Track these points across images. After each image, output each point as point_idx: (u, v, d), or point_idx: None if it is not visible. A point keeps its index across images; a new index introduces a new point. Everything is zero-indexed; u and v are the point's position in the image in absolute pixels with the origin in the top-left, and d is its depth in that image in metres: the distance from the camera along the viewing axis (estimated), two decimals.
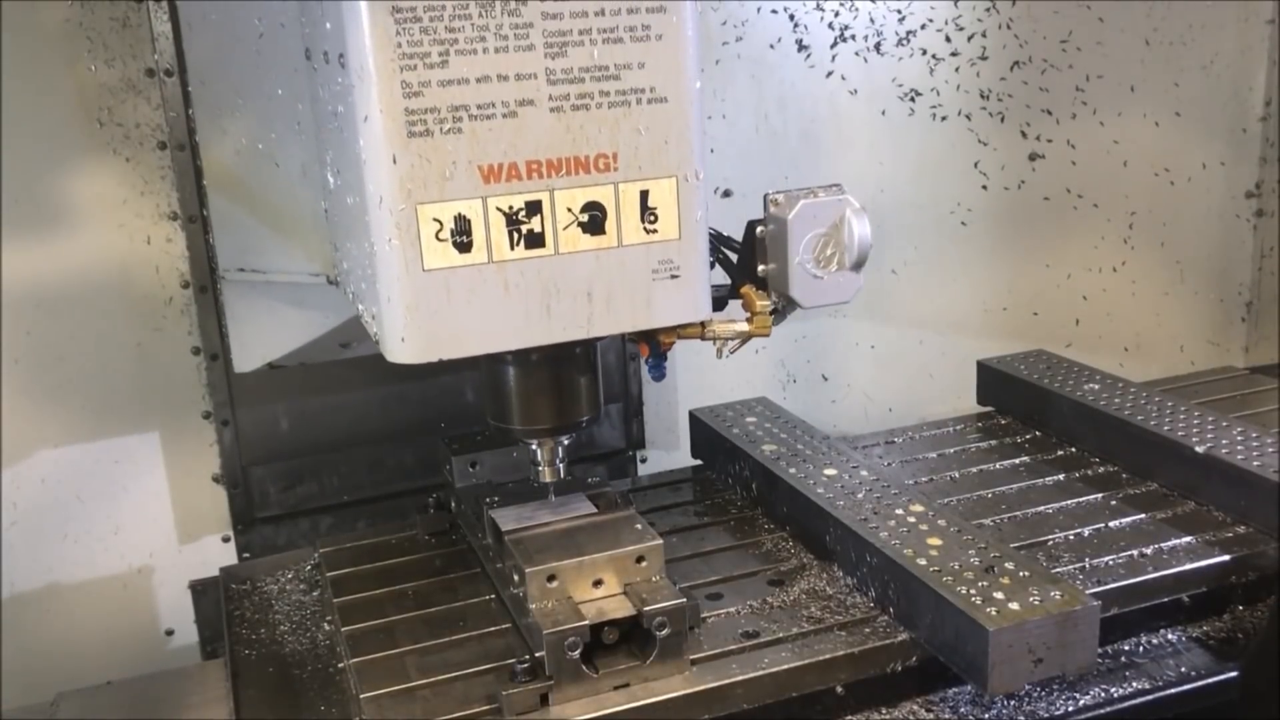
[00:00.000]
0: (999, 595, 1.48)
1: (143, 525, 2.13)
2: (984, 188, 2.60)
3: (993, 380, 2.38)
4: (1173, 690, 1.62)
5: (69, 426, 2.04)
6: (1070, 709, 1.59)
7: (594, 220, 1.35)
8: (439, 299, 1.32)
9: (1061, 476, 2.04)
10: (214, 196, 1.75)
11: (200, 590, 2.02)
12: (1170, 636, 1.72)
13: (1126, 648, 1.70)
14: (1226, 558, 1.73)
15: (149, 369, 2.07)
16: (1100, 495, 1.95)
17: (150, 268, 2.03)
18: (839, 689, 1.56)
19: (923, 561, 1.58)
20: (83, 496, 2.08)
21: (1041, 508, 1.92)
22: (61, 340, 2.00)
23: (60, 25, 1.90)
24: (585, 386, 1.57)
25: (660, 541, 1.57)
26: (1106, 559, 1.74)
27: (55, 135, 1.93)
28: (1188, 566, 1.72)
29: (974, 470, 2.09)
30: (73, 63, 1.91)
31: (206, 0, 1.64)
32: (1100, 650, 1.55)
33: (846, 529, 1.70)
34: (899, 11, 2.41)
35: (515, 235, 1.33)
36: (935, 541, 1.64)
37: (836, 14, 2.36)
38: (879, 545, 1.64)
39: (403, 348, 1.33)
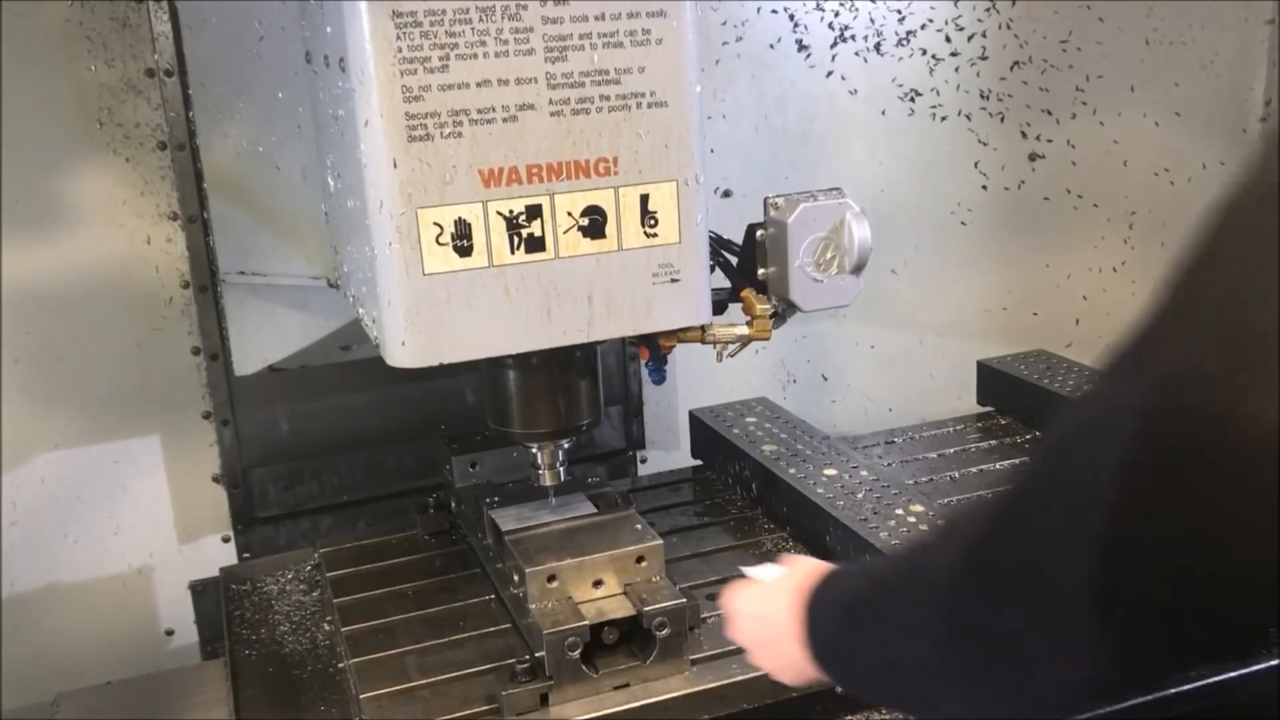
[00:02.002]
0: None
1: (143, 525, 2.13)
2: (984, 188, 2.60)
3: (993, 380, 2.38)
4: (1173, 690, 1.62)
5: (69, 426, 2.04)
6: None
7: (594, 224, 1.35)
8: (439, 303, 1.32)
9: None
10: (214, 199, 1.75)
11: (200, 590, 2.02)
12: None
13: None
14: None
15: (149, 369, 2.06)
16: None
17: (150, 268, 2.03)
18: (839, 689, 1.56)
19: None
20: (83, 496, 2.08)
21: None
22: (61, 340, 2.00)
23: (60, 25, 1.89)
24: (586, 390, 1.57)
25: (660, 541, 1.58)
26: None
27: (55, 135, 1.93)
28: None
29: (974, 470, 2.09)
30: (73, 63, 1.91)
31: (206, 1, 1.64)
32: None
33: (846, 529, 1.70)
34: (899, 11, 2.40)
35: (515, 239, 1.33)
36: None
37: (836, 14, 2.36)
38: (879, 545, 1.64)
39: (403, 352, 1.34)
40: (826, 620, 1.08)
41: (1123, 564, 0.68)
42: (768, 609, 1.18)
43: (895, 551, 1.06)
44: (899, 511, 1.72)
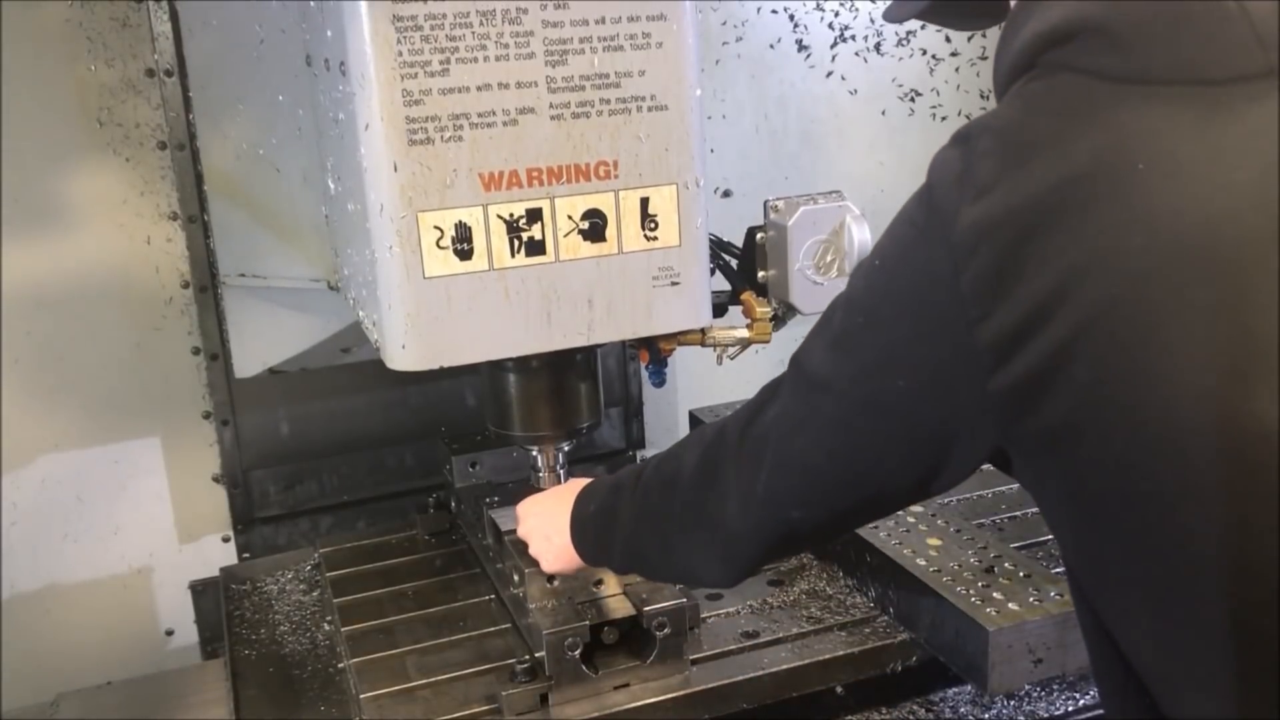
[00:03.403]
0: (999, 595, 1.49)
1: (143, 525, 2.13)
2: None
3: None
4: None
5: (69, 427, 2.04)
6: (1070, 709, 1.59)
7: (594, 227, 1.35)
8: (440, 306, 1.32)
9: None
10: (215, 201, 1.75)
11: (200, 590, 2.03)
12: None
13: None
14: None
15: (149, 369, 2.06)
16: None
17: (150, 268, 2.03)
18: (839, 689, 1.57)
19: (922, 562, 1.59)
20: (83, 497, 2.08)
21: None
22: (61, 340, 2.00)
23: (60, 25, 1.89)
24: (586, 393, 1.57)
25: None
26: None
27: (55, 135, 1.93)
28: None
29: None
30: (73, 63, 1.91)
31: (207, 2, 1.64)
32: None
33: None
34: None
35: (516, 243, 1.33)
36: (935, 541, 1.64)
37: (836, 14, 2.36)
38: (879, 545, 1.64)
39: (404, 355, 1.34)
40: (591, 501, 1.35)
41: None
42: (549, 505, 1.45)
43: (646, 460, 1.33)
44: (898, 511, 1.72)
